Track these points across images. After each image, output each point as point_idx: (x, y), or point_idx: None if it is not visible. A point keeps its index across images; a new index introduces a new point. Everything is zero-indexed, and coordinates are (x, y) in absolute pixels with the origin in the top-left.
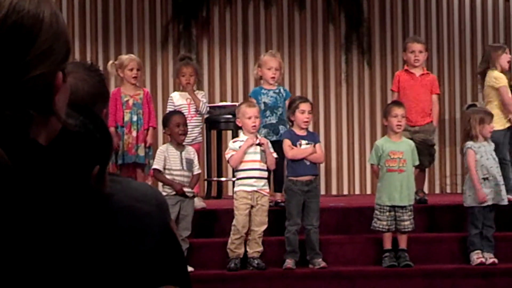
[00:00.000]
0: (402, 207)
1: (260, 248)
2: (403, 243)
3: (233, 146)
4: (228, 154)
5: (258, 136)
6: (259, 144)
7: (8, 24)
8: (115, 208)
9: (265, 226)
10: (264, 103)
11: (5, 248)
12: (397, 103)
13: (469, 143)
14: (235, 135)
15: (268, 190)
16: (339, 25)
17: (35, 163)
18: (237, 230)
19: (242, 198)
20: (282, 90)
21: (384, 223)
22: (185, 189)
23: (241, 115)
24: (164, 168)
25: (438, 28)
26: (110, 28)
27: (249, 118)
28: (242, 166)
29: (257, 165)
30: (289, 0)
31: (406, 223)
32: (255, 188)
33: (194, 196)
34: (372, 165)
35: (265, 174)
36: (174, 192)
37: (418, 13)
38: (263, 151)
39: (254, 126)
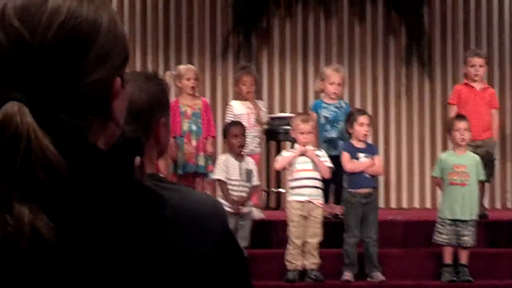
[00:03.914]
0: (463, 221)
1: (317, 260)
2: (463, 258)
3: (284, 154)
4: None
5: (310, 147)
6: (303, 154)
7: (66, 29)
8: (173, 210)
9: (318, 238)
10: (325, 117)
11: (64, 250)
12: (460, 116)
13: None
14: (294, 146)
15: (321, 202)
16: (399, 37)
17: (95, 168)
18: (291, 240)
19: (295, 209)
20: (343, 103)
21: (445, 236)
22: (241, 208)
23: (295, 129)
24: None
25: (500, 40)
26: (171, 38)
27: (302, 133)
28: (295, 175)
29: (309, 174)
30: (350, 12)
31: (466, 238)
32: (307, 198)
33: (249, 211)
34: (435, 178)
35: (318, 183)
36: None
37: (480, 25)
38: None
39: (306, 142)
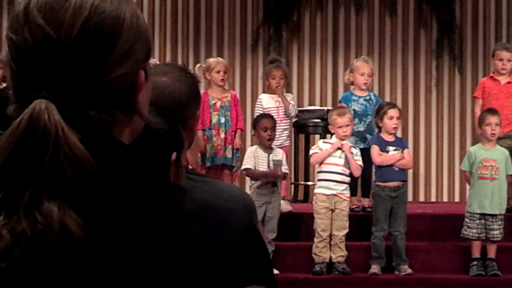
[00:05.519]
0: (492, 216)
1: (344, 253)
2: (492, 252)
3: (321, 145)
4: (312, 150)
5: (347, 141)
6: (340, 148)
7: (90, 26)
8: (195, 203)
9: (345, 231)
10: (354, 110)
11: (92, 246)
12: (491, 111)
13: None
14: (331, 137)
15: (348, 195)
16: (430, 31)
17: (120, 164)
18: (318, 233)
19: (322, 202)
20: (372, 96)
21: (474, 231)
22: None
23: (332, 124)
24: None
25: None
26: (202, 31)
27: (340, 127)
28: (324, 168)
29: (339, 169)
30: (381, 5)
31: (495, 232)
32: (334, 192)
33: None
34: (464, 171)
35: (347, 179)
36: (262, 192)
37: None
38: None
39: (345, 134)
